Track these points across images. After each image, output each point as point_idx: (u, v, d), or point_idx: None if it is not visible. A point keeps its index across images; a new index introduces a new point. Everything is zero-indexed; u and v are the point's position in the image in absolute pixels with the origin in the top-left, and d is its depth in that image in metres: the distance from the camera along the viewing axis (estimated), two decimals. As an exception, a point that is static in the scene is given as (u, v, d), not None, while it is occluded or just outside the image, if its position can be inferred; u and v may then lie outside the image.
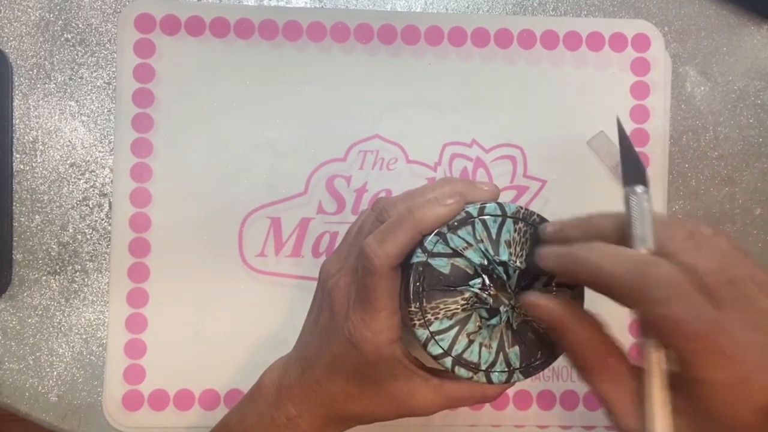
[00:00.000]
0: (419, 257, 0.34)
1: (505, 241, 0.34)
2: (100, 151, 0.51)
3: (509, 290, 0.34)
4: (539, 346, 0.35)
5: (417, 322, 0.34)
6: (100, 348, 0.50)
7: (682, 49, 0.54)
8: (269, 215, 0.51)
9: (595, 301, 0.49)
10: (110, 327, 0.50)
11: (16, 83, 0.51)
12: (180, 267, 0.50)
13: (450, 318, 0.34)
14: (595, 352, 0.31)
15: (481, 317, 0.34)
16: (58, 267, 0.50)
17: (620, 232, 0.30)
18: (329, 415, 0.37)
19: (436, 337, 0.34)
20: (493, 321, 0.34)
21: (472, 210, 0.34)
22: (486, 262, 0.34)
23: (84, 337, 0.50)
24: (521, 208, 0.35)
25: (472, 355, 0.34)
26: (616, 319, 0.52)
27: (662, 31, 0.53)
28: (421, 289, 0.34)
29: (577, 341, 0.31)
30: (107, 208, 0.51)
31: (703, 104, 0.54)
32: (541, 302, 0.31)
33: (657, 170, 0.53)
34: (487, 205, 0.34)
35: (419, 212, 0.33)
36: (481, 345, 0.34)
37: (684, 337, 0.26)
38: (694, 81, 0.54)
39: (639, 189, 0.29)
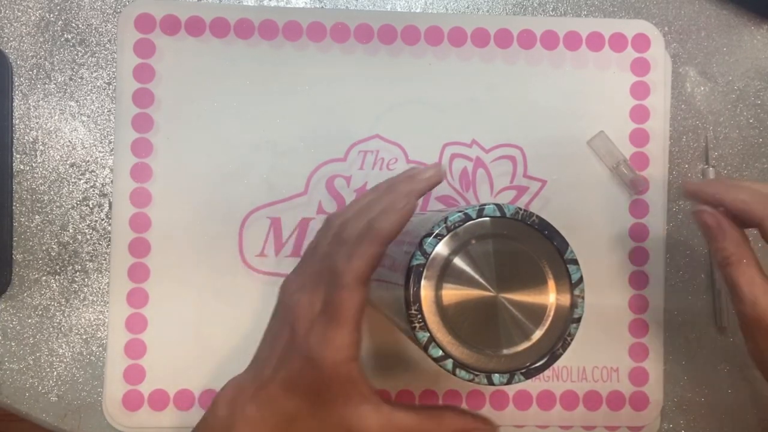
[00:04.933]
0: (418, 260, 0.34)
1: None
2: (100, 151, 0.51)
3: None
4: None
5: (417, 325, 0.34)
6: (100, 348, 0.50)
7: (682, 49, 0.54)
8: (269, 215, 0.51)
9: (597, 298, 0.49)
10: (110, 327, 0.50)
11: (16, 83, 0.51)
12: (180, 267, 0.50)
13: None
14: (740, 249, 0.41)
15: None
16: (58, 267, 0.50)
17: None
18: None
19: (437, 339, 0.34)
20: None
21: (471, 212, 0.34)
22: None
23: (84, 337, 0.50)
24: (520, 209, 0.35)
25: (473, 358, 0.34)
26: (617, 319, 0.52)
27: (662, 31, 0.53)
28: (420, 291, 0.34)
29: (731, 239, 0.41)
30: (107, 208, 0.51)
31: (703, 104, 0.54)
32: (707, 211, 0.42)
33: (657, 170, 0.53)
34: (486, 206, 0.34)
35: (378, 224, 0.35)
36: None
37: None
38: (694, 81, 0.54)
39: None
